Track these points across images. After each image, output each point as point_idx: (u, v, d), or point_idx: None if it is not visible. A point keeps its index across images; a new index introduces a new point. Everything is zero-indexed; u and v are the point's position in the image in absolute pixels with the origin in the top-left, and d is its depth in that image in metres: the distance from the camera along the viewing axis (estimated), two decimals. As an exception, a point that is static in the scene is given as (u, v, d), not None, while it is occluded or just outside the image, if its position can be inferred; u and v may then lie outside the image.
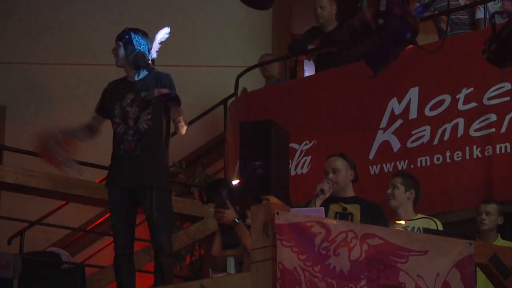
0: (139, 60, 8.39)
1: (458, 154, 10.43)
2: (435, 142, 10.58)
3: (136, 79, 8.38)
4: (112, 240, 8.93)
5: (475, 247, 7.59)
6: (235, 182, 8.47)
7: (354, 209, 8.72)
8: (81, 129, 8.43)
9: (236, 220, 8.19)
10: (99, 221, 11.18)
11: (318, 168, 10.13)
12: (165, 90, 8.06)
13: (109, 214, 9.26)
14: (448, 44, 9.67)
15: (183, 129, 8.56)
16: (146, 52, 8.44)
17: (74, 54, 9.84)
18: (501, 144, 10.15)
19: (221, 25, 12.63)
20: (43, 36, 11.59)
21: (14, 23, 12.47)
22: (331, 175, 8.94)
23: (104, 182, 8.96)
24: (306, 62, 12.30)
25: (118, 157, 8.39)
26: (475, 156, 10.30)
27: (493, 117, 10.26)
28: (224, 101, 12.16)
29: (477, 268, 7.64)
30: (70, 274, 9.18)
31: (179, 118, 8.40)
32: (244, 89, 9.34)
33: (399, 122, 10.80)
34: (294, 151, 10.44)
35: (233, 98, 12.11)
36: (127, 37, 8.40)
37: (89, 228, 11.56)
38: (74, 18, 10.26)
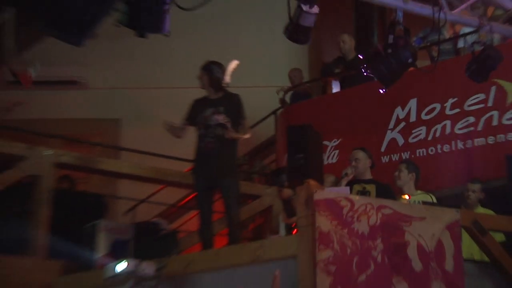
0: (216, 84, 8.54)
1: (446, 146, 10.38)
2: (429, 138, 10.53)
3: (214, 97, 8.54)
4: (197, 213, 8.88)
5: (461, 214, 7.74)
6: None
7: (371, 188, 8.72)
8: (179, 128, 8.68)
9: (292, 196, 8.26)
10: (187, 199, 11.12)
11: (344, 158, 10.15)
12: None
13: (194, 194, 9.38)
14: (438, 67, 9.50)
15: (247, 135, 8.68)
16: (222, 77, 8.51)
17: (169, 80, 9.70)
18: (478, 139, 10.09)
19: (270, 55, 12.45)
20: (146, 66, 11.50)
21: (128, 55, 12.38)
22: (354, 163, 9.07)
23: (190, 171, 9.16)
24: (333, 82, 12.19)
25: (200, 153, 8.51)
26: (459, 148, 10.23)
27: (472, 119, 10.20)
28: (274, 112, 12.05)
29: (463, 229, 7.48)
30: (168, 238, 9.14)
31: (243, 136, 8.44)
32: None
33: (402, 124, 10.77)
34: (326, 147, 10.29)
35: (281, 109, 11.99)
36: (208, 67, 8.60)
37: (180, 204, 11.53)
38: (170, 52, 10.16)
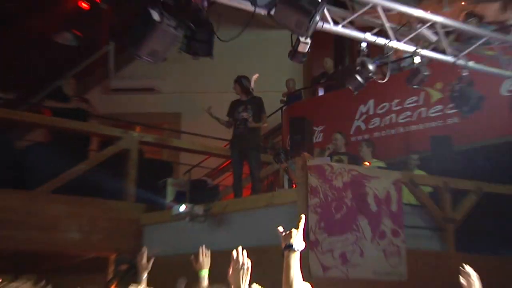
0: (245, 90, 8.50)
1: (393, 131, 10.31)
2: (382, 125, 10.47)
3: (244, 99, 8.49)
4: (231, 173, 8.84)
5: (402, 174, 7.79)
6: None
7: (344, 158, 8.60)
8: (224, 121, 8.53)
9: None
10: (224, 164, 11.03)
11: (326, 139, 10.03)
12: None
13: (229, 161, 9.35)
14: (388, 79, 9.36)
15: (265, 124, 8.87)
16: (249, 86, 8.48)
17: (214, 87, 9.57)
18: (413, 126, 10.06)
19: (278, 71, 12.33)
20: (199, 78, 11.39)
21: (186, 71, 12.25)
22: (333, 142, 8.98)
23: (228, 146, 9.08)
24: (319, 88, 12.16)
25: (235, 135, 8.48)
26: (401, 132, 10.20)
27: (409, 113, 10.15)
28: (281, 108, 11.94)
29: (403, 184, 7.51)
30: (212, 190, 9.07)
31: (262, 125, 8.79)
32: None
33: (364, 116, 10.72)
34: (314, 131, 10.17)
35: (285, 106, 11.92)
36: (239, 80, 8.55)
37: (220, 168, 11.46)
38: (215, 68, 10.02)
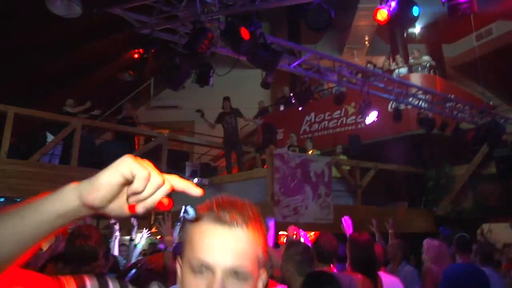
0: (229, 106, 7.85)
1: (325, 132, 10.30)
2: (319, 128, 10.45)
3: (229, 111, 7.79)
4: (225, 158, 8.45)
5: (332, 158, 7.77)
6: None
7: (297, 149, 8.44)
8: (210, 123, 7.82)
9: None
10: (221, 153, 10.87)
11: (285, 137, 9.88)
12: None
13: (224, 151, 8.86)
14: (322, 100, 9.41)
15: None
16: (229, 104, 7.92)
17: (215, 104, 9.38)
18: (338, 128, 10.11)
19: (252, 93, 12.01)
20: (205, 99, 11.18)
21: (197, 94, 11.49)
22: (290, 139, 8.84)
23: (222, 142, 8.48)
24: (281, 105, 12.01)
25: (226, 135, 7.94)
26: (331, 132, 10.23)
27: (335, 121, 10.22)
28: (256, 117, 11.83)
29: (333, 165, 7.42)
30: (214, 168, 8.89)
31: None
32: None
33: (308, 123, 10.72)
34: (278, 132, 10.05)
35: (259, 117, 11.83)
36: (228, 99, 7.88)
37: (219, 155, 11.25)
38: (213, 93, 9.66)
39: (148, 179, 0.62)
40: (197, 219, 0.78)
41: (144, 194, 0.62)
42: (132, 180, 0.61)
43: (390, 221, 4.62)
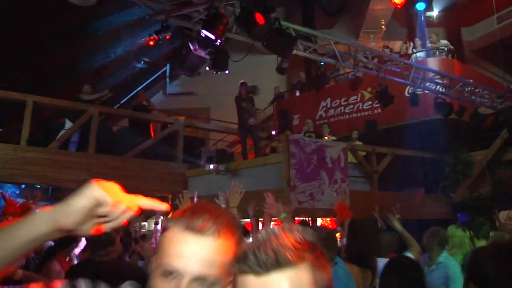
0: (246, 92, 7.85)
1: (342, 117, 10.24)
2: (335, 113, 10.34)
3: (245, 97, 7.74)
4: (240, 144, 8.49)
5: (348, 144, 7.72)
6: None
7: (313, 135, 8.26)
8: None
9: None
10: (237, 139, 10.88)
11: (301, 123, 9.69)
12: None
13: (239, 138, 8.83)
14: (338, 85, 9.30)
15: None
16: (249, 89, 7.94)
17: (230, 90, 9.31)
18: (354, 114, 10.07)
19: (268, 79, 11.90)
20: (221, 84, 11.14)
21: (212, 81, 11.56)
22: (307, 125, 8.64)
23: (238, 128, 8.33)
24: (296, 91, 11.93)
25: (241, 120, 7.83)
26: (347, 118, 10.14)
27: (351, 106, 10.09)
28: (272, 103, 11.75)
29: (348, 151, 7.41)
30: (230, 154, 8.87)
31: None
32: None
33: (324, 108, 10.63)
34: (294, 117, 9.94)
35: (275, 103, 11.68)
36: (243, 83, 7.83)
37: (234, 141, 11.24)
38: (228, 78, 9.60)
39: (115, 206, 0.69)
40: (168, 226, 0.83)
41: (110, 218, 0.70)
42: (102, 205, 0.69)
43: (398, 205, 4.56)
